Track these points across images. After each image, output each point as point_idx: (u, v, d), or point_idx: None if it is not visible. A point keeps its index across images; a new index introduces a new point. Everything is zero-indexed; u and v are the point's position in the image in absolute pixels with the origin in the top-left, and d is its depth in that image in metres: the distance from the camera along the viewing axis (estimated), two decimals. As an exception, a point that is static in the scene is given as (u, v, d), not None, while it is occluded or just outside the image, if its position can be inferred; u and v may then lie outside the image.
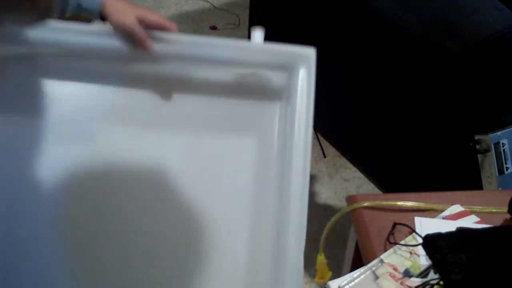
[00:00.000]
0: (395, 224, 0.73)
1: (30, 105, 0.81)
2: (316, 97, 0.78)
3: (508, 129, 1.08)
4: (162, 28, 0.77)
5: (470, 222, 0.73)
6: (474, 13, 1.08)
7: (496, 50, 1.04)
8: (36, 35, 0.77)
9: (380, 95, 1.38)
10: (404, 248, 0.69)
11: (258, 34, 0.81)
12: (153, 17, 0.76)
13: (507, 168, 1.06)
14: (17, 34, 0.77)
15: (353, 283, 0.65)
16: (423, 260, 0.67)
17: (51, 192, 0.80)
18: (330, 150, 1.66)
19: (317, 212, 1.48)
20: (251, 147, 0.82)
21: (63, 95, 0.82)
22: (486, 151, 1.09)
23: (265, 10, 1.60)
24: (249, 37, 0.84)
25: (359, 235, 0.75)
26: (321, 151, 1.64)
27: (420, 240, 0.69)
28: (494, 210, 0.75)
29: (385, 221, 0.73)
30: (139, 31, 0.75)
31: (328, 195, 1.54)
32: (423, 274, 0.66)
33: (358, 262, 0.77)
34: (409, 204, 0.75)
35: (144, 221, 0.80)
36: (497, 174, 1.07)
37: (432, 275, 0.66)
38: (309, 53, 0.78)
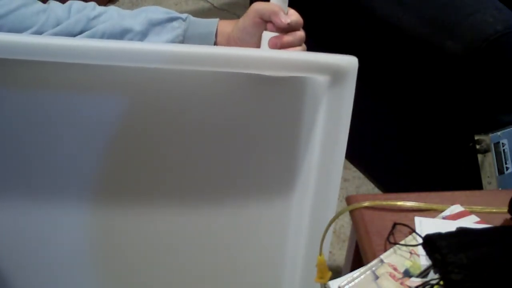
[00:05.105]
0: (395, 224, 0.72)
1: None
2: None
3: (508, 129, 1.08)
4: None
5: (470, 222, 0.73)
6: (474, 13, 1.08)
7: (496, 50, 1.04)
8: None
9: (379, 95, 1.38)
10: (404, 248, 0.69)
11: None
12: None
13: (507, 168, 1.06)
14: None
15: (353, 283, 0.65)
16: (423, 260, 0.67)
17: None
18: (330, 150, 1.66)
19: (317, 212, 1.48)
20: None
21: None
22: (486, 151, 1.09)
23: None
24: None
25: (359, 235, 0.75)
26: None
27: (420, 240, 0.69)
28: (494, 210, 0.75)
29: (385, 221, 0.73)
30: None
31: (328, 195, 1.54)
32: (423, 274, 0.66)
33: (358, 262, 0.77)
34: (409, 204, 0.75)
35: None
36: (497, 174, 1.07)
37: (432, 275, 0.65)
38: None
